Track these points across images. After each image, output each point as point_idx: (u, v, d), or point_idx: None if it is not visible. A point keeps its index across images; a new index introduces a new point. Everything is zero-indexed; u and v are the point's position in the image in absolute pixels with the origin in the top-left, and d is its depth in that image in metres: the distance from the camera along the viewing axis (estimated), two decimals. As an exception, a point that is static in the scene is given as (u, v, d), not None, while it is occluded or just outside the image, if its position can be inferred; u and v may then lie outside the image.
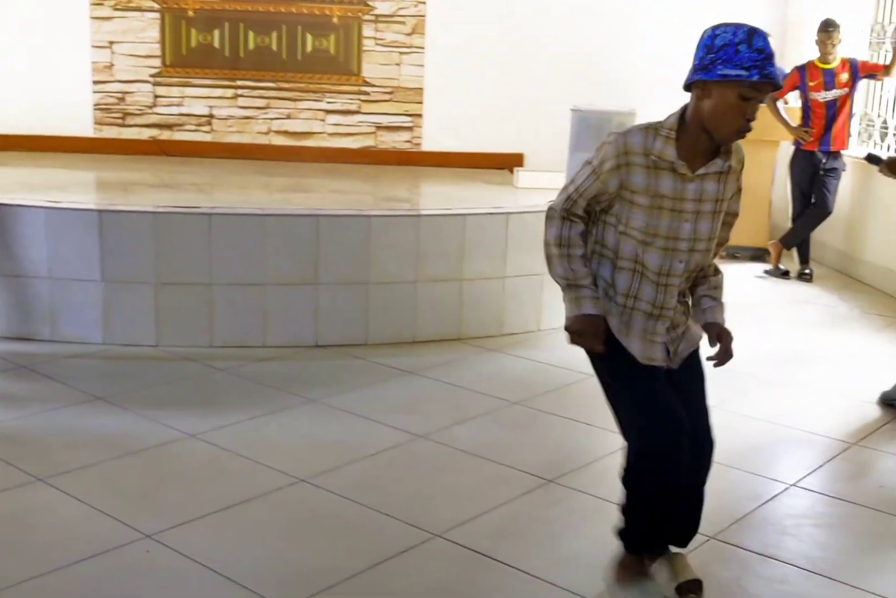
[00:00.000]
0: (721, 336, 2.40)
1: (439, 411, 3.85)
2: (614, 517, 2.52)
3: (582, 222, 2.37)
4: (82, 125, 7.60)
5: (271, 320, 4.54)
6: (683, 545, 2.56)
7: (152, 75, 7.59)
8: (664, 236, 2.30)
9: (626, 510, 2.48)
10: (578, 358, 4.52)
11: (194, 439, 3.44)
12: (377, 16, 7.59)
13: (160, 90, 7.60)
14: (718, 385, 4.37)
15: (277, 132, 7.69)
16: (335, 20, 7.51)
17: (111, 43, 7.49)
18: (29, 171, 7.07)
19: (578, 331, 2.36)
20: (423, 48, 7.68)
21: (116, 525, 2.81)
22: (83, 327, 4.45)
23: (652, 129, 2.30)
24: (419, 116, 7.83)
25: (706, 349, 2.47)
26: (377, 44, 7.63)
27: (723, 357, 2.40)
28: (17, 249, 4.41)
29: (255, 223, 4.45)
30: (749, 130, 2.24)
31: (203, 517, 2.87)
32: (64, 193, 5.49)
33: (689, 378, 2.47)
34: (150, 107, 7.63)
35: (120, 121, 7.64)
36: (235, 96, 7.63)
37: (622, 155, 2.27)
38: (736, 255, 7.07)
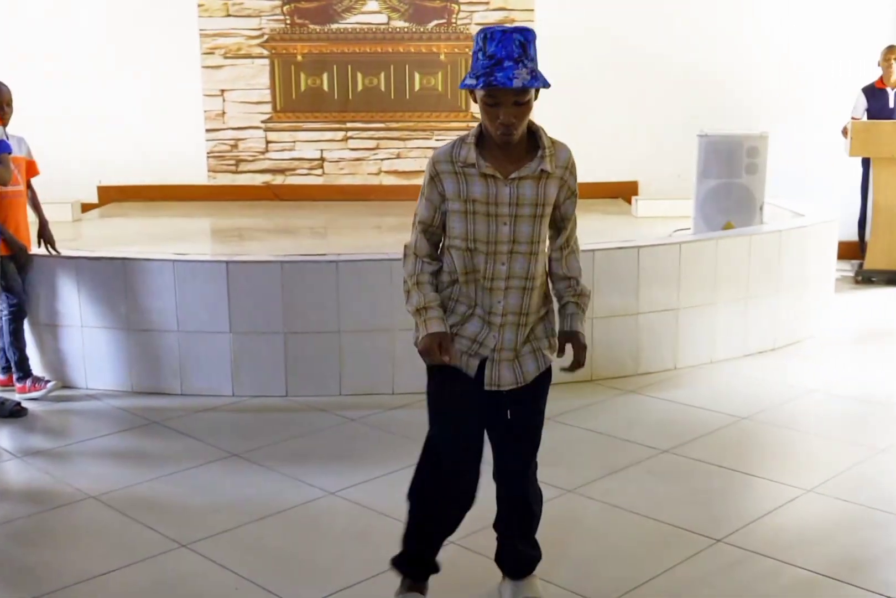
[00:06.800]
0: (572, 346, 2.42)
1: (584, 462, 3.64)
2: (803, 583, 2.27)
3: (431, 260, 2.42)
4: (197, 173, 7.73)
5: (399, 367, 4.42)
6: (515, 577, 2.65)
7: (263, 121, 7.67)
8: (483, 241, 2.32)
9: (405, 533, 2.60)
10: (723, 399, 4.33)
11: (335, 497, 3.32)
12: (483, 50, 7.53)
13: (272, 136, 7.68)
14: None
15: (388, 172, 7.67)
16: (442, 57, 7.47)
17: (222, 91, 7.61)
18: (148, 221, 7.20)
19: (425, 350, 2.37)
20: (531, 80, 7.56)
21: (267, 596, 2.69)
22: (213, 379, 4.41)
23: (459, 139, 2.36)
24: (529, 148, 7.70)
25: (558, 363, 2.45)
26: (484, 78, 7.57)
27: (575, 368, 2.42)
28: (145, 303, 4.40)
29: (381, 269, 4.34)
30: (508, 132, 2.23)
31: (358, 583, 2.73)
32: (186, 243, 5.52)
33: (526, 411, 2.50)
34: (263, 153, 7.71)
35: (233, 168, 7.74)
36: (346, 138, 7.65)
37: (431, 166, 2.35)
38: (872, 279, 6.68)
